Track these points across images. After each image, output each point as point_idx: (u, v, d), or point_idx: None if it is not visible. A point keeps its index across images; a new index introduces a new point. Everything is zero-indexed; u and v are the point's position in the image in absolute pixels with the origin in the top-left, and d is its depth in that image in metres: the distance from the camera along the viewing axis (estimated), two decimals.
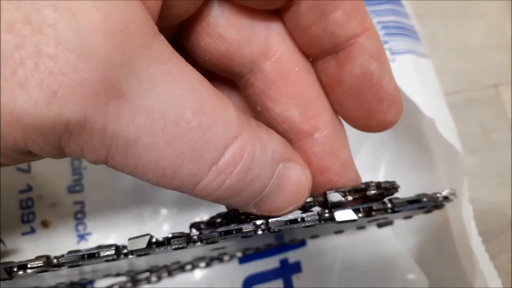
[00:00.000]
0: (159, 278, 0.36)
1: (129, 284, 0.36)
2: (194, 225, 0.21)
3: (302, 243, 0.37)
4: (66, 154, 0.15)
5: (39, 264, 0.19)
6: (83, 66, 0.13)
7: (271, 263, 0.37)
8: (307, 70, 0.20)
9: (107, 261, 0.19)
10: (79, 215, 0.38)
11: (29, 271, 0.19)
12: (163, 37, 0.15)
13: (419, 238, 0.37)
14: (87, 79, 0.13)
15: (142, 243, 0.18)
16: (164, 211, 0.38)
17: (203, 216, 0.37)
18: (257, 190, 0.17)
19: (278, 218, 0.19)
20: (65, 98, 0.13)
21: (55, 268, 0.19)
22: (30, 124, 0.13)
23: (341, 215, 0.19)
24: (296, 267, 0.37)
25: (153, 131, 0.14)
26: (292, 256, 0.37)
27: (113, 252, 0.19)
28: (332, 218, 0.19)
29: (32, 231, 0.37)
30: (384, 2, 0.38)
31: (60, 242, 0.37)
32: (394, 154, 0.38)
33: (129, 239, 0.18)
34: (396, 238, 0.35)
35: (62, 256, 0.19)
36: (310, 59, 0.21)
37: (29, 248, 0.36)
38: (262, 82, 0.20)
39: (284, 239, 0.35)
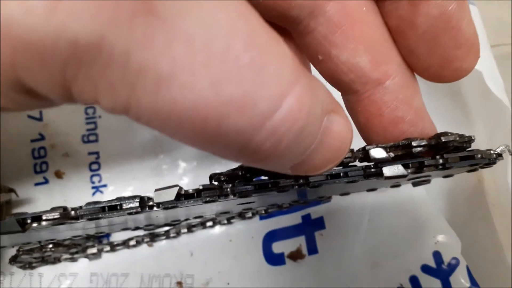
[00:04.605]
0: (178, 234, 0.35)
1: (146, 239, 0.34)
2: (213, 177, 0.19)
3: (326, 200, 0.35)
4: (74, 96, 0.11)
5: (55, 216, 0.17)
6: None
7: (293, 219, 0.35)
8: (374, 10, 0.18)
9: (130, 214, 0.17)
10: (94, 166, 0.36)
11: (44, 223, 0.17)
12: None
13: (451, 199, 0.36)
14: None
15: (171, 195, 0.16)
16: (183, 164, 0.36)
17: (224, 169, 0.35)
18: (303, 150, 0.14)
19: None
20: (74, 6, 0.09)
21: (72, 221, 0.17)
22: (22, 38, 0.10)
23: (389, 170, 0.18)
24: (319, 224, 0.35)
25: (192, 67, 0.11)
26: (314, 212, 0.35)
27: (137, 204, 0.17)
28: (378, 174, 0.18)
29: (46, 181, 0.36)
30: None
31: (74, 194, 0.36)
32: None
33: (156, 190, 0.17)
34: (428, 197, 0.34)
35: (80, 208, 0.17)
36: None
37: (42, 199, 0.35)
38: (325, 26, 0.18)
39: (307, 197, 0.33)
